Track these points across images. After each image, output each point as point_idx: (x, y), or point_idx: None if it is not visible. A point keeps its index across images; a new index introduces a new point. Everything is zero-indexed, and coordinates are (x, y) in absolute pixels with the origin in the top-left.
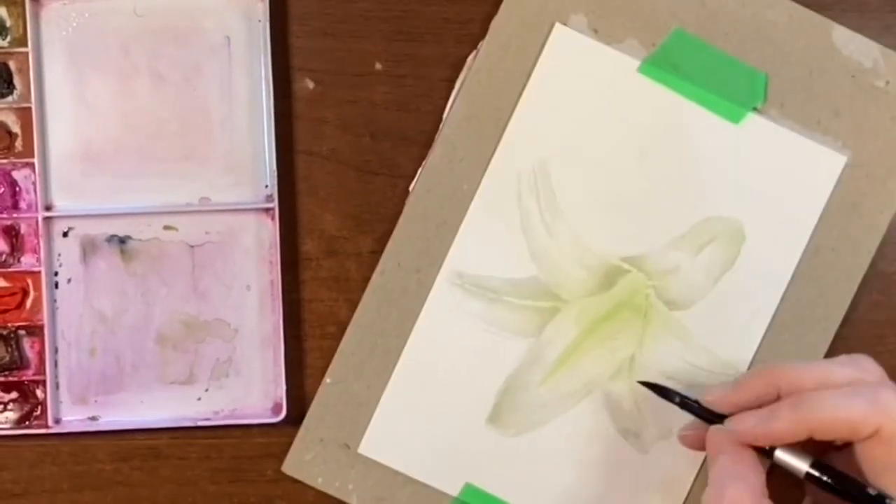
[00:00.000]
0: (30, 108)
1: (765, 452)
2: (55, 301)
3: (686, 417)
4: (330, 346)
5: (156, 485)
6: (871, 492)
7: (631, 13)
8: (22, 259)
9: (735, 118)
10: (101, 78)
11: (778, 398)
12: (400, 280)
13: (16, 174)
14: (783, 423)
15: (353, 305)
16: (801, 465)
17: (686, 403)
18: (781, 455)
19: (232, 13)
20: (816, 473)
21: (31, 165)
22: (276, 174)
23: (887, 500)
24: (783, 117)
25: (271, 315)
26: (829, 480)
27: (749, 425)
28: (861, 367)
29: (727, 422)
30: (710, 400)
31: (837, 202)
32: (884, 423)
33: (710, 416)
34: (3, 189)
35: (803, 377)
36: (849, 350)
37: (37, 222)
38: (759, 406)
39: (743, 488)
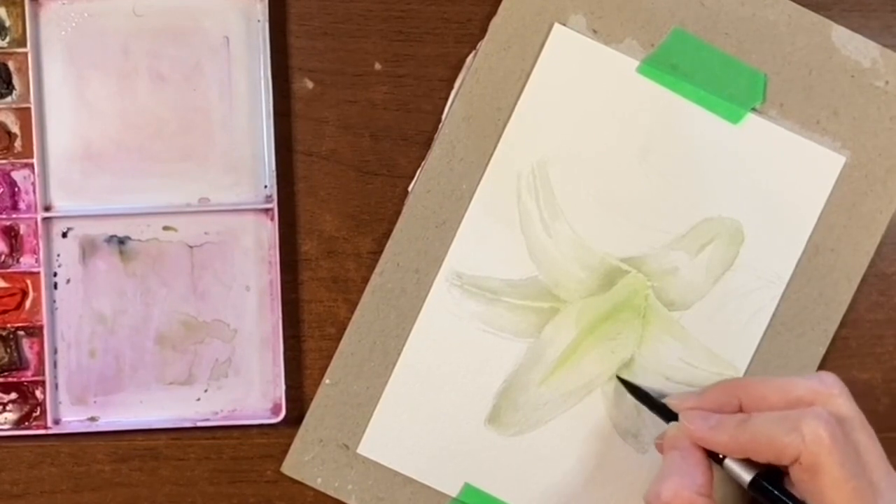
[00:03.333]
0: (29, 109)
1: (717, 460)
2: (54, 302)
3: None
4: (329, 347)
5: (155, 485)
6: None
7: (630, 13)
8: (21, 260)
9: (734, 118)
10: (100, 78)
11: (740, 410)
12: (399, 280)
13: (15, 174)
14: (725, 436)
15: (352, 306)
16: (745, 476)
17: (653, 404)
18: (730, 464)
19: (231, 13)
20: (755, 486)
21: (31, 166)
22: (275, 174)
23: None
24: (782, 117)
25: (270, 315)
26: (767, 496)
27: (697, 425)
28: (822, 382)
29: (681, 416)
30: (673, 403)
31: (837, 202)
32: (802, 450)
33: (671, 417)
34: (2, 189)
35: (763, 390)
36: (848, 350)
37: (36, 223)
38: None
39: (683, 483)
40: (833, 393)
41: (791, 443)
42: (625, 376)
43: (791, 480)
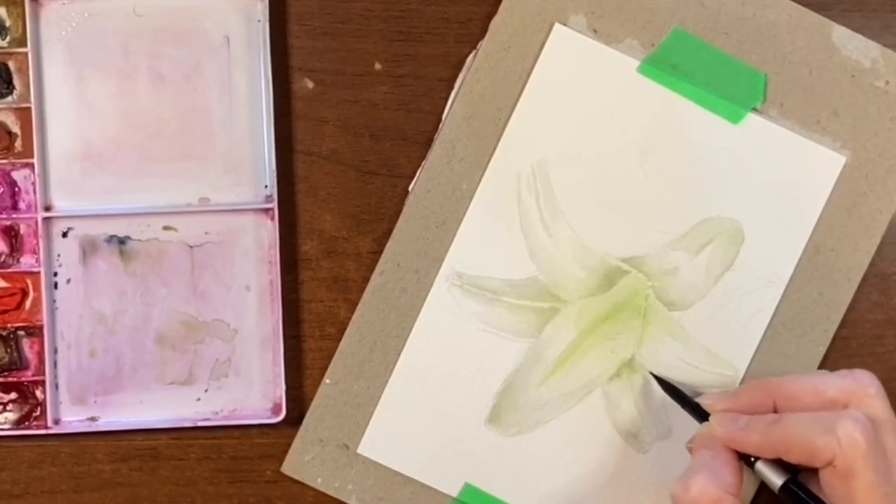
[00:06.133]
0: (29, 108)
1: (748, 463)
2: (54, 301)
3: (689, 423)
4: (329, 347)
5: (155, 485)
6: None
7: (630, 13)
8: (21, 259)
9: (735, 118)
10: (100, 78)
11: (774, 410)
12: (399, 280)
13: (15, 174)
14: (756, 437)
15: (352, 306)
16: (775, 480)
17: (686, 402)
18: (761, 467)
19: (232, 13)
20: (786, 491)
21: (31, 166)
22: (275, 174)
23: None
24: (783, 117)
25: (271, 315)
26: (798, 501)
27: (728, 427)
28: (857, 381)
29: (712, 418)
30: (707, 403)
31: (837, 202)
32: (837, 454)
33: (703, 416)
34: (2, 189)
35: (797, 389)
36: (848, 350)
37: (36, 223)
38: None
39: (712, 480)
40: (869, 393)
41: (826, 445)
42: (626, 377)
43: (819, 483)
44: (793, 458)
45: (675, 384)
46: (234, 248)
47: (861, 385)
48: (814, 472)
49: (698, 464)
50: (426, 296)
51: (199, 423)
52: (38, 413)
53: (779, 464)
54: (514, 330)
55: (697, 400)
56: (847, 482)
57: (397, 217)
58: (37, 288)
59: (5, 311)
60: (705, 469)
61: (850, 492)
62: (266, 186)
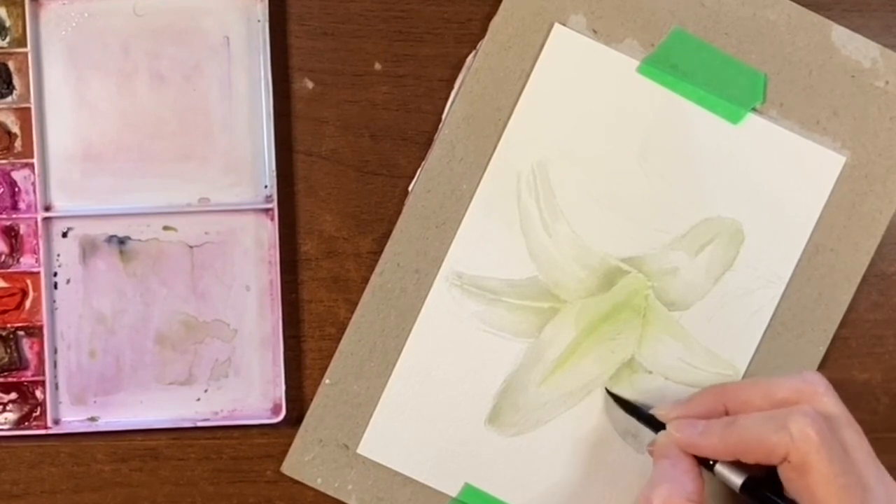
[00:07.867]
0: (29, 109)
1: (707, 466)
2: (54, 302)
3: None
4: (329, 347)
5: (155, 485)
6: None
7: (630, 13)
8: (21, 260)
9: (734, 118)
10: (100, 78)
11: (727, 415)
12: (399, 280)
13: (15, 174)
14: (714, 439)
15: (352, 306)
16: (735, 480)
17: (640, 415)
18: (720, 468)
19: (231, 13)
20: (747, 490)
21: (31, 166)
22: (275, 174)
23: None
24: (782, 117)
25: (270, 315)
26: (758, 498)
27: (685, 433)
28: (806, 381)
29: (669, 425)
30: (661, 413)
31: (837, 202)
32: (791, 449)
33: (660, 427)
34: (2, 189)
35: (747, 393)
36: (848, 350)
37: (36, 223)
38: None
39: (674, 489)
40: (818, 391)
41: (779, 441)
42: (625, 377)
43: (780, 480)
44: (750, 459)
45: (628, 399)
46: (234, 248)
47: (810, 384)
48: (775, 469)
49: (659, 475)
50: (426, 296)
51: (199, 424)
52: (37, 413)
53: (738, 464)
54: (514, 330)
55: (651, 411)
56: (803, 476)
57: (397, 217)
58: (37, 288)
59: (5, 311)
60: (666, 479)
61: (807, 485)
62: (266, 186)
